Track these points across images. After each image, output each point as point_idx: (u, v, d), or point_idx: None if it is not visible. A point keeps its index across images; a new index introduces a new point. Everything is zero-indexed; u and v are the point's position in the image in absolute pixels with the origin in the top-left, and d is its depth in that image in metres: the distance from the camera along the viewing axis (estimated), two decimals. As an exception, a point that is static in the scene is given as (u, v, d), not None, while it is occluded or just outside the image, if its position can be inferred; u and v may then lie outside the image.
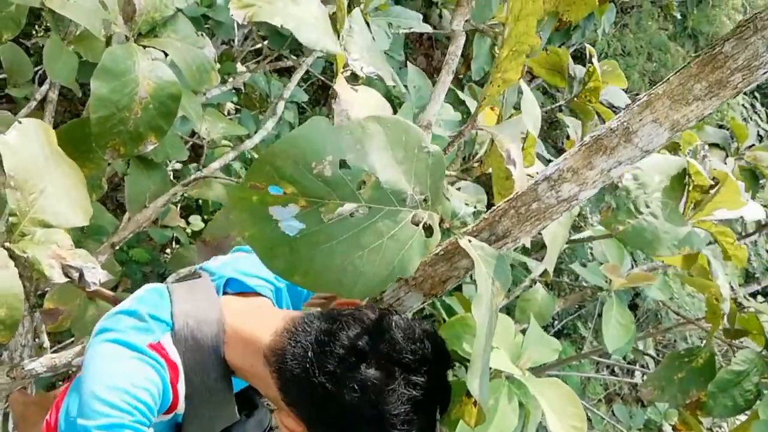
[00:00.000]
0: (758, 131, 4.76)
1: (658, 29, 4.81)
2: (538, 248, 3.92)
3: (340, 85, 1.32)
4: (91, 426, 0.92)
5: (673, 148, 2.03)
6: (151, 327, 1.02)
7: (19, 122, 1.32)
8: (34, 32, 2.98)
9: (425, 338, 0.98)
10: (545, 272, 2.39)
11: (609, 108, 2.07)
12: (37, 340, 1.73)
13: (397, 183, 0.89)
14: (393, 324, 0.95)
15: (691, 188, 1.56)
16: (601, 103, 2.01)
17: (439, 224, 0.95)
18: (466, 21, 1.57)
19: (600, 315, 3.98)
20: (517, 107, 1.46)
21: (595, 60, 1.87)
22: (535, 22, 0.99)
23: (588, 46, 1.95)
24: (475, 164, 1.53)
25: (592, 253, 3.32)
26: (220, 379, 1.07)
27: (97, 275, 1.31)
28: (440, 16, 3.01)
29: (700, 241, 1.57)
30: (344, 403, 0.93)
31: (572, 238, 2.25)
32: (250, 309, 1.13)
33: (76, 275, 1.28)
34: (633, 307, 4.21)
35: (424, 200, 0.92)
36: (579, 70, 1.99)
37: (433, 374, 0.97)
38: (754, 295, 3.77)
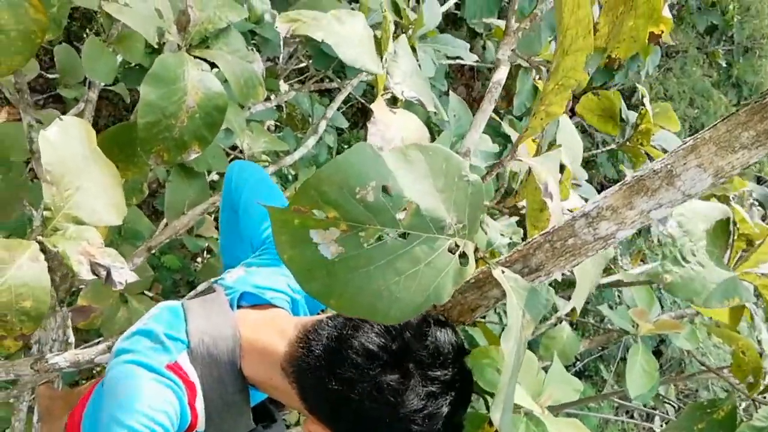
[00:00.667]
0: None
1: (703, 75, 4.78)
2: (565, 287, 3.89)
3: (379, 105, 1.34)
4: None
5: (722, 196, 1.99)
6: (168, 346, 1.04)
7: (60, 119, 1.34)
8: (85, 35, 3.08)
9: (438, 330, 0.99)
10: (572, 311, 2.37)
11: (662, 151, 2.03)
12: (64, 336, 1.76)
13: (436, 211, 0.90)
14: (403, 321, 0.95)
15: (735, 237, 1.53)
16: (653, 147, 1.98)
17: (474, 253, 0.96)
18: (512, 51, 1.58)
19: (623, 359, 3.93)
20: (555, 142, 1.46)
21: (647, 101, 1.86)
22: (584, 58, 0.99)
23: (639, 86, 1.93)
24: (509, 197, 1.53)
25: (619, 296, 3.28)
26: (238, 393, 1.08)
27: (124, 275, 1.31)
28: (484, 47, 3.04)
29: (748, 294, 1.51)
30: (364, 408, 0.94)
31: (608, 281, 2.24)
32: (264, 321, 1.14)
33: (103, 273, 1.28)
34: (657, 353, 4.14)
35: (462, 229, 0.92)
36: (631, 115, 1.97)
37: (450, 365, 0.98)
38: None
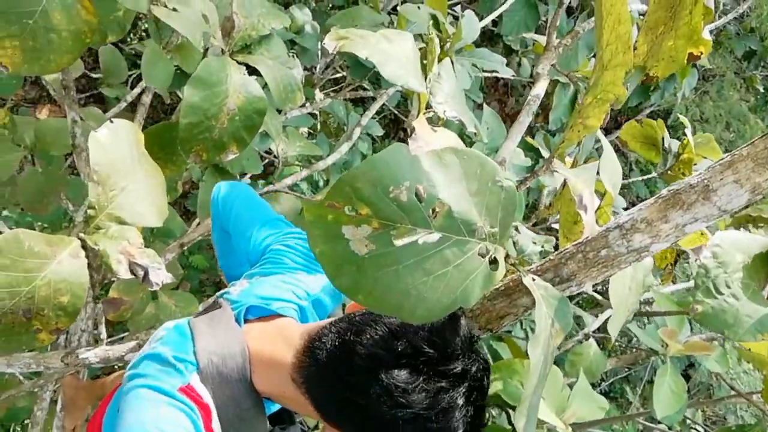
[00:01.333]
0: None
1: (740, 100, 4.73)
2: (592, 305, 3.85)
3: (421, 123, 1.36)
4: None
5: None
6: (179, 368, 1.03)
7: (111, 121, 1.38)
8: (129, 39, 3.16)
9: (445, 324, 0.97)
10: (603, 341, 2.35)
11: None
12: (95, 331, 1.79)
13: (468, 214, 0.91)
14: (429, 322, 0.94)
15: None
16: None
17: (505, 259, 0.96)
18: (552, 65, 1.58)
19: (650, 381, 3.86)
20: (591, 157, 1.46)
21: (689, 132, 1.85)
22: (623, 73, 1.00)
23: (681, 117, 1.92)
24: (540, 210, 1.53)
25: (648, 317, 3.23)
26: (252, 408, 1.08)
27: (161, 276, 1.33)
28: (519, 64, 3.04)
29: None
30: (376, 412, 0.93)
31: (644, 310, 2.22)
32: (272, 333, 1.13)
33: (141, 273, 1.32)
34: (686, 377, 4.06)
35: (493, 233, 0.93)
36: (673, 144, 1.96)
37: (461, 357, 0.96)
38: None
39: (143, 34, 3.10)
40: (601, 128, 1.49)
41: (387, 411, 0.92)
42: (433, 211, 0.89)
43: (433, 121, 1.44)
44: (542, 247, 1.45)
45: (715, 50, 4.92)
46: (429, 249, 0.90)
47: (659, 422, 3.08)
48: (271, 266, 1.32)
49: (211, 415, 1.03)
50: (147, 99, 2.08)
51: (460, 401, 0.95)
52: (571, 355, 2.44)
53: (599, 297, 1.90)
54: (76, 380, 2.08)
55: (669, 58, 1.26)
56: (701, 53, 1.31)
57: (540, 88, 1.50)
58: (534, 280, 0.99)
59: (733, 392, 2.82)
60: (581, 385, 2.12)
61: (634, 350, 2.80)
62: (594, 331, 2.39)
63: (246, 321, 1.17)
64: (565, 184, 1.26)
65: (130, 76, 2.37)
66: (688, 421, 3.31)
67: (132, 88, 2.30)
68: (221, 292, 1.28)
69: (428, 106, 1.45)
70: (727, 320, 1.44)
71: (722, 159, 0.90)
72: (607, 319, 2.28)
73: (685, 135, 1.87)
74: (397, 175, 0.87)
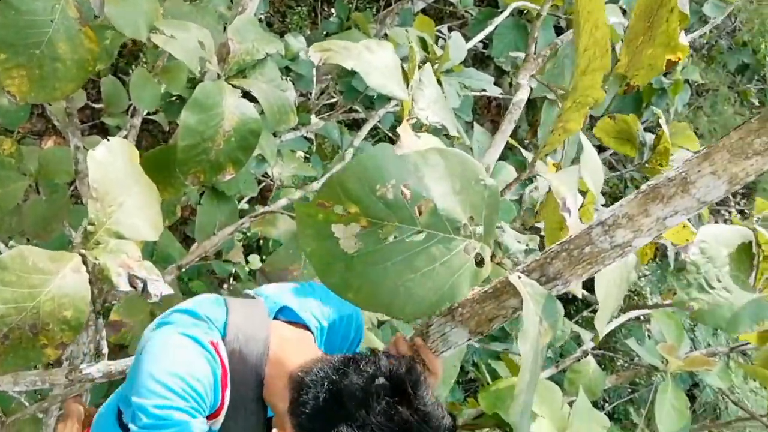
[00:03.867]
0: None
1: (734, 114, 4.78)
2: (592, 324, 3.84)
3: (404, 129, 1.40)
4: (147, 405, 0.97)
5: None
6: (211, 327, 1.08)
7: (108, 140, 1.42)
8: (130, 70, 3.24)
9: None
10: (594, 338, 2.35)
11: None
12: (98, 350, 1.80)
13: (452, 212, 0.94)
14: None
15: (761, 259, 1.51)
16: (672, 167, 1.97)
17: (491, 258, 0.98)
18: (539, 83, 1.63)
19: (654, 402, 3.81)
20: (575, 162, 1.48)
21: (663, 122, 1.87)
22: (601, 77, 1.03)
23: (655, 109, 1.94)
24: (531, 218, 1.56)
25: (649, 333, 3.23)
26: (257, 400, 1.11)
27: (159, 288, 1.36)
28: (511, 84, 3.10)
29: None
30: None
31: (634, 312, 2.22)
32: (294, 339, 1.17)
33: (140, 285, 1.34)
34: (691, 398, 4.02)
35: (478, 231, 0.96)
36: (648, 137, 1.99)
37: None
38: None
39: (144, 65, 3.18)
40: (594, 146, 1.52)
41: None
42: (419, 209, 0.91)
43: (416, 128, 1.48)
44: (527, 245, 1.47)
45: (707, 65, 4.99)
46: (416, 246, 0.93)
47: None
48: (309, 287, 1.37)
49: (227, 379, 1.06)
50: (137, 121, 2.13)
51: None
52: (570, 373, 2.43)
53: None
54: (78, 403, 2.09)
55: (648, 66, 1.30)
56: (679, 58, 1.35)
57: (520, 97, 1.54)
58: (520, 278, 1.01)
59: (740, 413, 2.79)
60: (581, 403, 2.11)
61: (634, 367, 2.78)
62: (592, 349, 2.39)
63: (275, 319, 1.21)
64: (549, 192, 1.29)
65: (131, 105, 2.43)
66: (695, 444, 3.27)
67: (132, 116, 2.35)
68: (256, 289, 1.32)
69: (411, 113, 1.49)
70: (724, 314, 1.45)
71: (699, 152, 0.92)
72: (605, 335, 2.29)
73: (660, 127, 1.89)
74: (384, 174, 0.90)
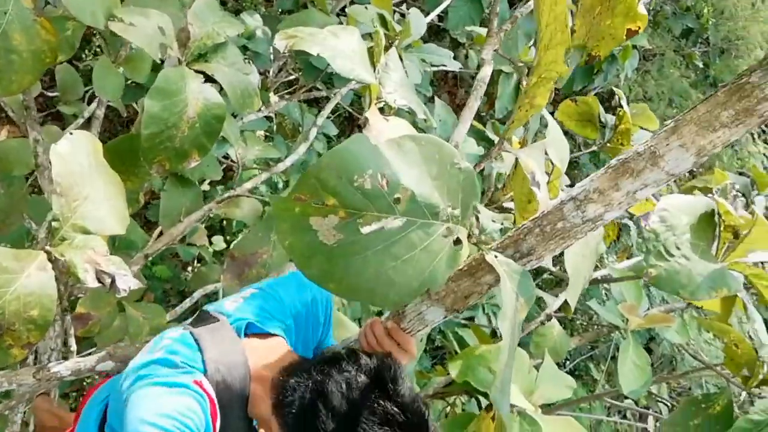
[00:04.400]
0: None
1: (680, 77, 4.90)
2: (553, 285, 3.95)
3: (373, 113, 1.41)
4: None
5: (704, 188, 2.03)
6: (190, 371, 1.09)
7: (71, 133, 1.38)
8: (83, 56, 3.14)
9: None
10: (563, 308, 2.42)
11: None
12: (65, 348, 1.78)
13: (430, 197, 0.95)
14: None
15: (722, 229, 1.55)
16: (633, 146, 2.01)
17: (467, 238, 1.01)
18: (495, 51, 1.65)
19: (613, 357, 3.96)
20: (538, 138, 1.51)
21: (624, 102, 1.91)
22: (564, 51, 1.06)
23: (616, 89, 1.98)
24: (497, 192, 1.59)
25: (607, 293, 3.34)
26: (244, 419, 1.16)
27: (128, 282, 1.34)
28: (466, 56, 3.12)
29: (737, 284, 1.53)
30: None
31: (597, 275, 2.28)
32: (269, 349, 1.21)
33: (108, 281, 1.32)
34: (648, 351, 4.18)
35: (455, 215, 0.98)
36: (609, 118, 2.02)
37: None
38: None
39: (97, 50, 3.08)
40: (549, 113, 1.55)
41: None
42: (397, 197, 0.93)
43: (385, 111, 1.49)
44: (502, 224, 1.50)
45: (653, 30, 5.10)
46: (395, 234, 0.94)
47: (626, 399, 3.17)
48: (264, 290, 1.39)
49: (216, 410, 1.08)
50: (101, 112, 2.07)
51: None
52: (536, 336, 2.49)
53: (555, 269, 1.95)
54: (48, 403, 2.06)
55: (609, 36, 1.33)
56: (639, 28, 1.38)
57: (485, 73, 1.56)
58: (496, 257, 1.03)
59: (696, 364, 2.91)
60: (547, 366, 2.17)
61: (595, 327, 2.88)
62: (555, 311, 2.45)
63: (246, 335, 1.23)
64: (516, 165, 1.32)
65: (86, 92, 2.36)
66: (654, 395, 3.40)
67: (89, 103, 2.29)
68: (212, 305, 1.33)
69: (379, 97, 1.49)
70: (681, 281, 1.49)
71: (667, 125, 0.95)
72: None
73: (621, 107, 1.94)
74: (360, 165, 0.91)
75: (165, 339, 1.16)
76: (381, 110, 1.48)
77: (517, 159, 1.28)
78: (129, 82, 2.06)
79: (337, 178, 0.90)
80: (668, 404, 3.64)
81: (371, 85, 1.42)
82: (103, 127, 2.24)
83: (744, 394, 2.07)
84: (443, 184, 0.97)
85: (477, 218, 1.45)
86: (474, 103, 1.47)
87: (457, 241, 1.00)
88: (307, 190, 0.90)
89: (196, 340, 1.15)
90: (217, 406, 1.09)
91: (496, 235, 1.49)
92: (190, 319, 1.30)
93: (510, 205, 1.80)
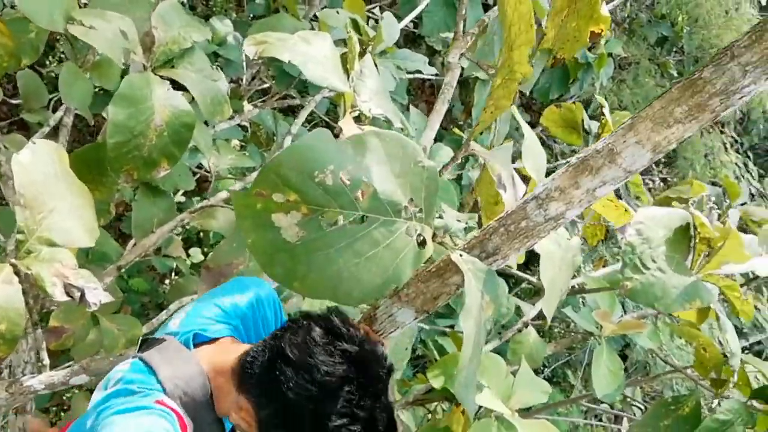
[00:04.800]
0: (750, 189, 4.86)
1: (655, 85, 4.96)
2: (531, 294, 3.96)
3: (347, 122, 1.40)
4: None
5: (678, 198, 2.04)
6: (149, 393, 1.08)
7: (33, 143, 1.36)
8: (48, 62, 3.10)
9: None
10: (543, 319, 2.42)
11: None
12: (39, 363, 1.75)
13: (393, 194, 0.95)
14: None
15: (697, 241, 1.56)
16: None
17: (432, 238, 1.00)
18: (462, 55, 1.65)
19: (589, 363, 3.98)
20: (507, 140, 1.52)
21: (607, 112, 1.93)
22: (528, 52, 1.06)
23: (598, 97, 1.99)
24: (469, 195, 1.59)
25: (583, 301, 3.36)
26: (214, 422, 1.17)
27: (98, 296, 1.32)
28: (443, 64, 3.12)
29: (710, 295, 1.56)
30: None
31: (574, 285, 2.30)
32: (220, 350, 1.21)
33: (77, 295, 1.30)
34: (623, 357, 4.22)
35: (419, 212, 0.98)
36: (593, 125, 2.04)
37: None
38: (742, 350, 3.80)
39: (62, 56, 3.04)
40: (528, 122, 1.55)
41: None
42: (360, 193, 0.92)
43: (360, 120, 1.49)
44: (466, 223, 1.50)
45: (629, 38, 5.15)
46: (358, 231, 0.94)
47: (602, 403, 3.19)
48: (204, 299, 1.39)
49: (185, 422, 1.08)
50: (68, 120, 2.04)
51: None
52: (512, 343, 2.50)
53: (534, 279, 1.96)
54: (43, 427, 2.03)
55: (573, 39, 1.34)
56: (602, 29, 1.40)
57: (452, 76, 1.56)
58: (462, 256, 1.03)
59: (668, 368, 2.94)
60: (524, 372, 2.18)
61: (571, 334, 2.89)
62: (533, 319, 2.46)
63: (195, 345, 1.23)
64: (483, 168, 1.32)
65: (51, 99, 2.33)
66: (628, 399, 3.43)
67: (54, 111, 2.25)
68: (158, 331, 1.33)
69: (354, 106, 1.49)
70: (656, 293, 1.51)
71: (624, 123, 0.97)
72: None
73: (604, 115, 1.95)
74: (322, 160, 0.91)
75: (116, 373, 1.15)
76: (357, 119, 1.48)
77: (484, 162, 1.29)
78: (97, 89, 2.03)
79: (297, 174, 0.90)
80: (642, 407, 3.67)
81: (345, 94, 1.42)
82: (71, 136, 2.21)
83: (712, 395, 2.11)
84: (406, 182, 0.96)
85: (441, 217, 1.45)
86: (441, 107, 1.48)
87: (423, 241, 1.00)
88: (268, 186, 0.89)
89: (146, 364, 1.14)
90: (186, 419, 1.08)
91: (460, 234, 1.49)
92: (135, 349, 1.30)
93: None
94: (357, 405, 1.03)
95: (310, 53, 1.42)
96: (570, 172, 1.01)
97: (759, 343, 4.41)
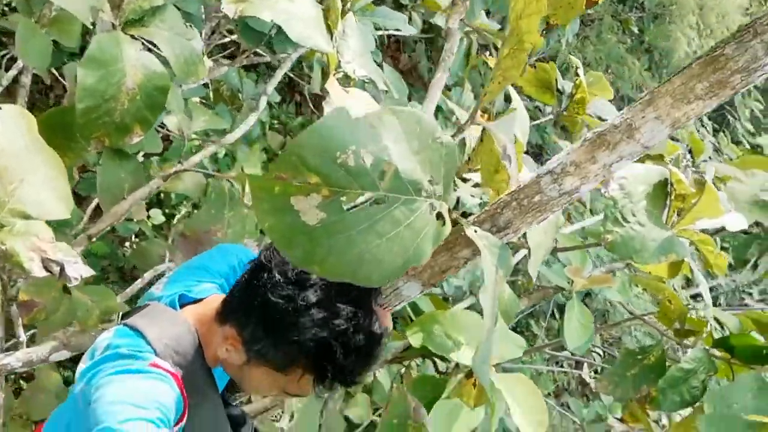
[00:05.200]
0: (711, 144, 5.02)
1: (617, 42, 5.01)
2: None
3: (332, 85, 1.35)
4: (114, 423, 0.92)
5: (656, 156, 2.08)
6: (140, 356, 1.05)
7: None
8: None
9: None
10: (528, 278, 2.46)
11: (597, 119, 2.10)
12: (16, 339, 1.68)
13: (413, 173, 0.92)
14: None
15: (673, 197, 1.59)
16: (588, 115, 2.04)
17: (447, 213, 0.99)
18: (461, 20, 1.61)
19: (552, 314, 4.11)
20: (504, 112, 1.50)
21: (581, 72, 1.92)
22: (538, 21, 1.03)
23: (572, 57, 1.99)
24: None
25: (554, 257, 3.43)
26: (208, 378, 1.15)
27: (79, 270, 1.27)
28: (410, 19, 3.06)
29: (684, 249, 1.59)
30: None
31: (558, 246, 2.33)
32: (206, 306, 1.20)
33: (56, 269, 1.25)
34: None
35: (438, 190, 0.95)
36: (567, 85, 2.04)
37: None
38: (694, 297, 3.99)
39: (6, 8, 2.81)
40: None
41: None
42: (381, 173, 0.89)
43: (342, 82, 1.44)
44: (481, 198, 1.49)
45: (593, -6, 5.15)
46: (379, 212, 0.91)
47: (563, 350, 3.31)
48: (187, 264, 1.39)
49: (181, 381, 1.06)
50: (27, 80, 1.92)
51: None
52: (488, 300, 2.53)
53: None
54: None
55: (567, 5, 1.32)
56: (600, -4, 1.38)
57: (452, 43, 1.52)
58: (476, 231, 1.02)
59: (627, 316, 3.06)
60: (500, 328, 2.22)
61: (541, 288, 2.96)
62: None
63: (181, 306, 1.21)
64: (482, 138, 1.30)
65: (3, 56, 2.16)
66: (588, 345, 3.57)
67: (6, 70, 2.10)
68: (142, 297, 1.32)
69: (338, 67, 1.44)
70: (635, 246, 1.55)
71: (643, 97, 0.96)
72: (520, 261, 2.41)
73: (578, 75, 1.95)
74: (343, 141, 0.87)
75: (102, 341, 1.11)
76: (340, 81, 1.43)
77: (483, 131, 1.27)
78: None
79: (319, 156, 0.86)
80: (601, 353, 3.83)
81: (329, 55, 1.36)
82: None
83: (675, 345, 2.20)
84: (425, 159, 0.94)
85: (458, 194, 1.43)
86: (443, 75, 1.44)
87: (439, 216, 0.98)
88: (288, 168, 0.85)
89: (132, 329, 1.11)
90: (181, 376, 1.07)
91: (475, 210, 1.48)
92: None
93: (470, 176, 1.79)
94: (336, 296, 1.03)
95: (293, 11, 1.36)
96: (586, 147, 1.00)
97: (712, 289, 4.63)
